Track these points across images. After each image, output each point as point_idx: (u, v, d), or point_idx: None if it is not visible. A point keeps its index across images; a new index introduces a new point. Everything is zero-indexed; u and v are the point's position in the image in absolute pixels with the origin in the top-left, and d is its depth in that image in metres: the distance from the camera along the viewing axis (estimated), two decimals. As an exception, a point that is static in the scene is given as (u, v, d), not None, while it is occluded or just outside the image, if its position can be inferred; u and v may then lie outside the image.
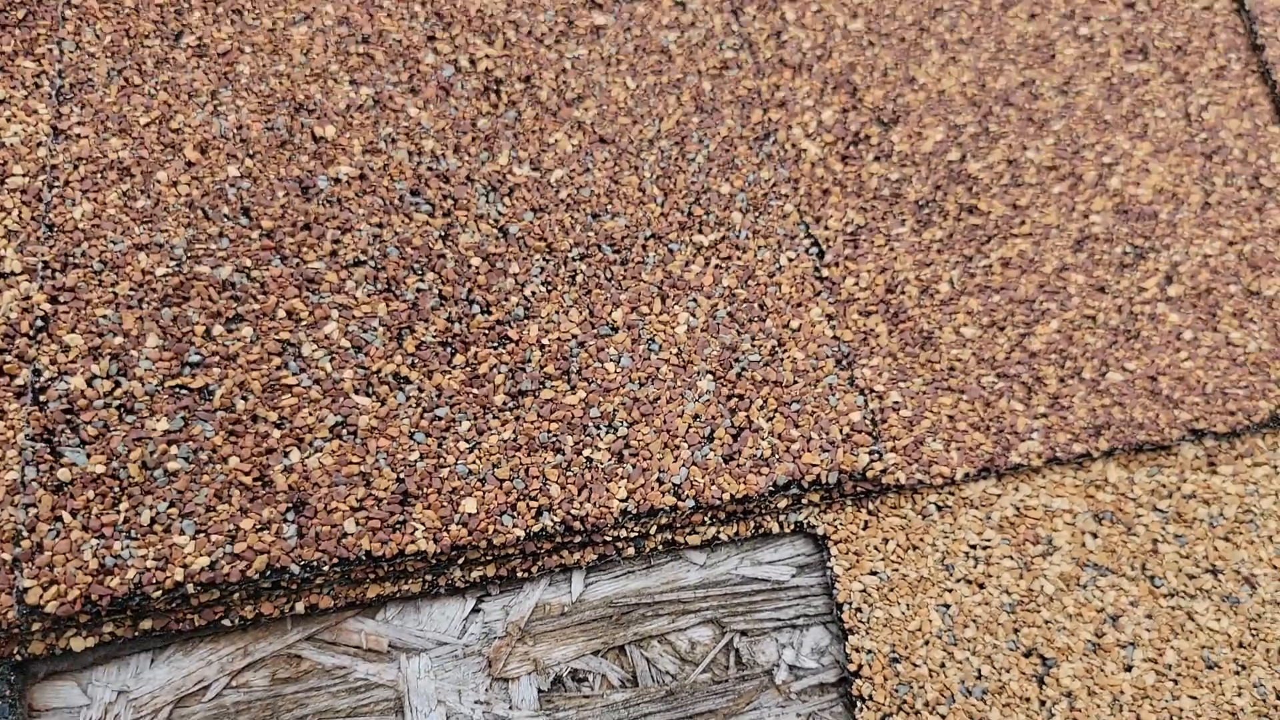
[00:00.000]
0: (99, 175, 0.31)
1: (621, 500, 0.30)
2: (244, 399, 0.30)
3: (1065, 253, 0.35)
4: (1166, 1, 0.38)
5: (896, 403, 0.33)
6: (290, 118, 0.32)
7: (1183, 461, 0.35)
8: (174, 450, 0.29)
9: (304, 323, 0.31)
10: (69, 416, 0.29)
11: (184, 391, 0.30)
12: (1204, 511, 0.35)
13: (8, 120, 0.32)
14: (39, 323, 0.30)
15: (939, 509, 0.33)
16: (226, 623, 0.29)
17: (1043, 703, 0.32)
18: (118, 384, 0.30)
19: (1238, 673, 0.34)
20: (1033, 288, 0.34)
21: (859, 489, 0.32)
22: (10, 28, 0.33)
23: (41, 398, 0.29)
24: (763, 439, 0.31)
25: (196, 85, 0.32)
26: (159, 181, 0.31)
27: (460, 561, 0.30)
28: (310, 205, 0.32)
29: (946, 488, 0.33)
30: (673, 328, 0.32)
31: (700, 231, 0.33)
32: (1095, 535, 0.34)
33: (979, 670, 0.33)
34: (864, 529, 0.32)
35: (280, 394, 0.30)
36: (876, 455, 0.31)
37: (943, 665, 0.32)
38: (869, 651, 0.32)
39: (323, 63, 0.33)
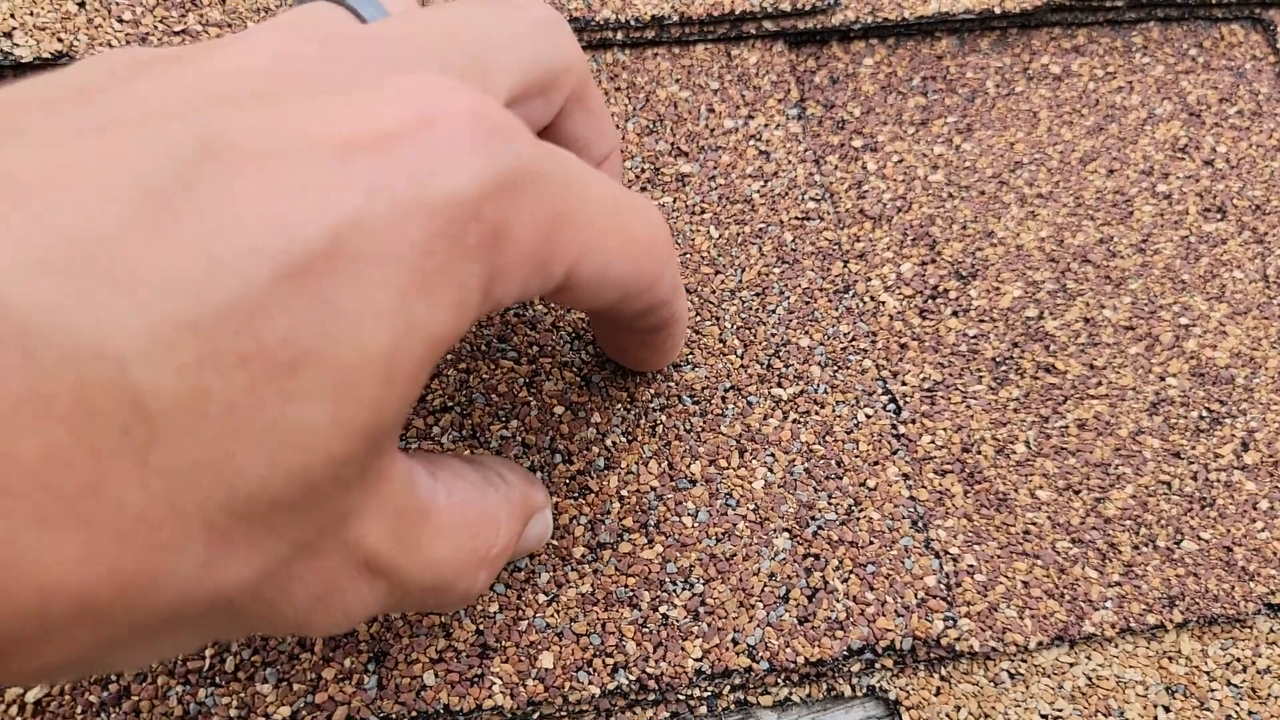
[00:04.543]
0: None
1: (696, 660, 0.30)
2: (330, 545, 0.30)
3: (1141, 416, 0.35)
4: (1245, 159, 0.39)
5: (971, 566, 0.33)
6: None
7: (1257, 635, 0.34)
8: (261, 596, 0.30)
9: (390, 468, 0.31)
10: (160, 558, 0.29)
11: (272, 536, 0.30)
12: (1279, 688, 0.35)
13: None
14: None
15: (1011, 676, 0.33)
16: (306, 775, 0.29)
17: None
18: (208, 526, 0.30)
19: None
20: (1108, 451, 0.34)
21: (932, 655, 0.32)
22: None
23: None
24: (838, 601, 0.31)
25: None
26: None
27: (535, 717, 0.30)
28: (400, 350, 0.32)
29: (1019, 655, 0.33)
30: (750, 483, 0.32)
31: (779, 385, 0.33)
32: (1168, 709, 0.33)
33: (1043, 836, 0.32)
34: (936, 695, 0.32)
35: (365, 541, 0.30)
36: (951, 621, 0.31)
37: (1008, 831, 0.32)
38: (934, 814, 0.32)
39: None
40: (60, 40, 0.33)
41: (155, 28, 0.34)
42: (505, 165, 0.12)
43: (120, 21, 0.34)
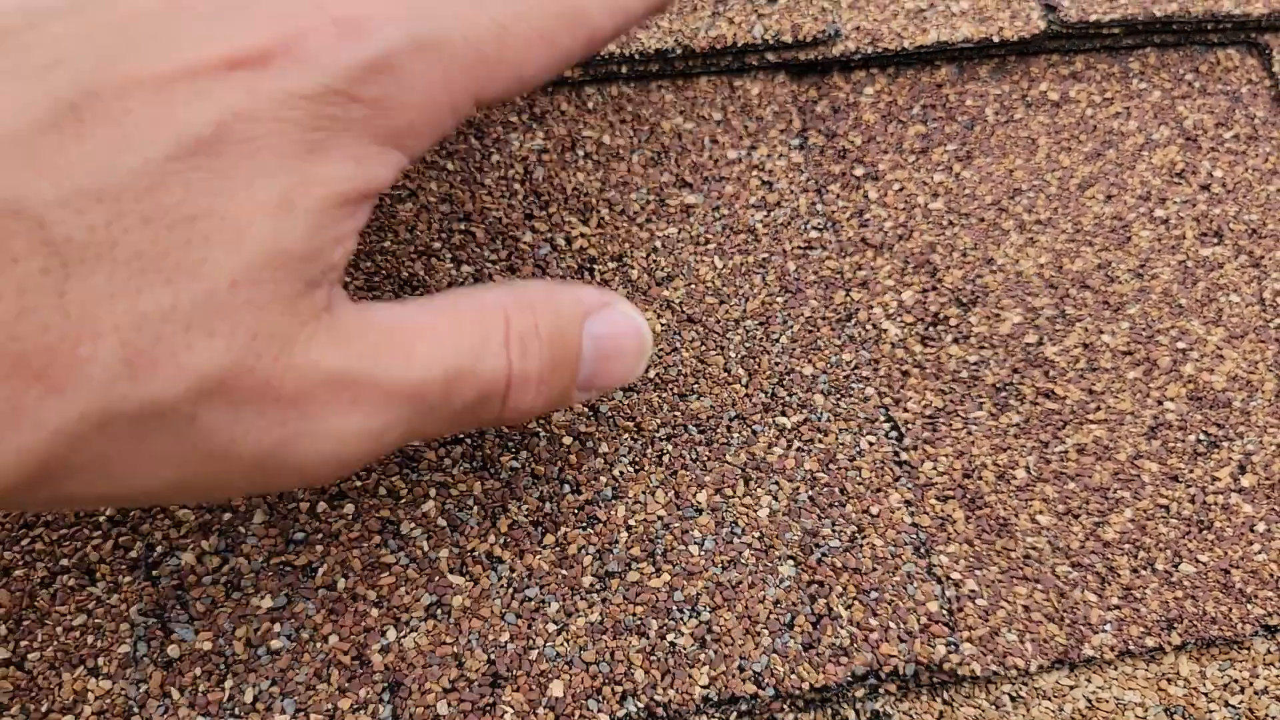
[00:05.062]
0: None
1: (704, 687, 0.31)
2: (345, 577, 0.31)
3: (1139, 440, 0.36)
4: (1242, 183, 0.39)
5: (973, 591, 0.33)
6: (396, 295, 0.34)
7: (1255, 657, 0.35)
8: (277, 628, 0.30)
9: (404, 500, 0.32)
10: (179, 592, 0.30)
11: (288, 569, 0.31)
12: (1276, 708, 0.36)
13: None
14: (153, 497, 0.31)
15: (1012, 699, 0.33)
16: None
17: None
18: (225, 560, 0.31)
19: None
20: (1107, 475, 0.35)
21: (935, 679, 0.32)
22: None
23: (154, 572, 0.30)
24: (842, 627, 0.32)
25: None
26: (270, 357, 0.32)
27: (546, 745, 0.31)
28: (411, 383, 0.33)
29: (1020, 678, 0.34)
30: (755, 511, 0.33)
31: (783, 413, 0.34)
32: (1167, 730, 0.34)
33: None
34: (939, 719, 0.33)
35: (380, 572, 0.31)
36: (953, 646, 0.32)
37: None
38: (938, 835, 0.32)
39: (426, 240, 0.34)
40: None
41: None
42: (374, 52, 0.15)
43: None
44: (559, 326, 0.19)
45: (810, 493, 0.34)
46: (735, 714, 0.32)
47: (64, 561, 0.32)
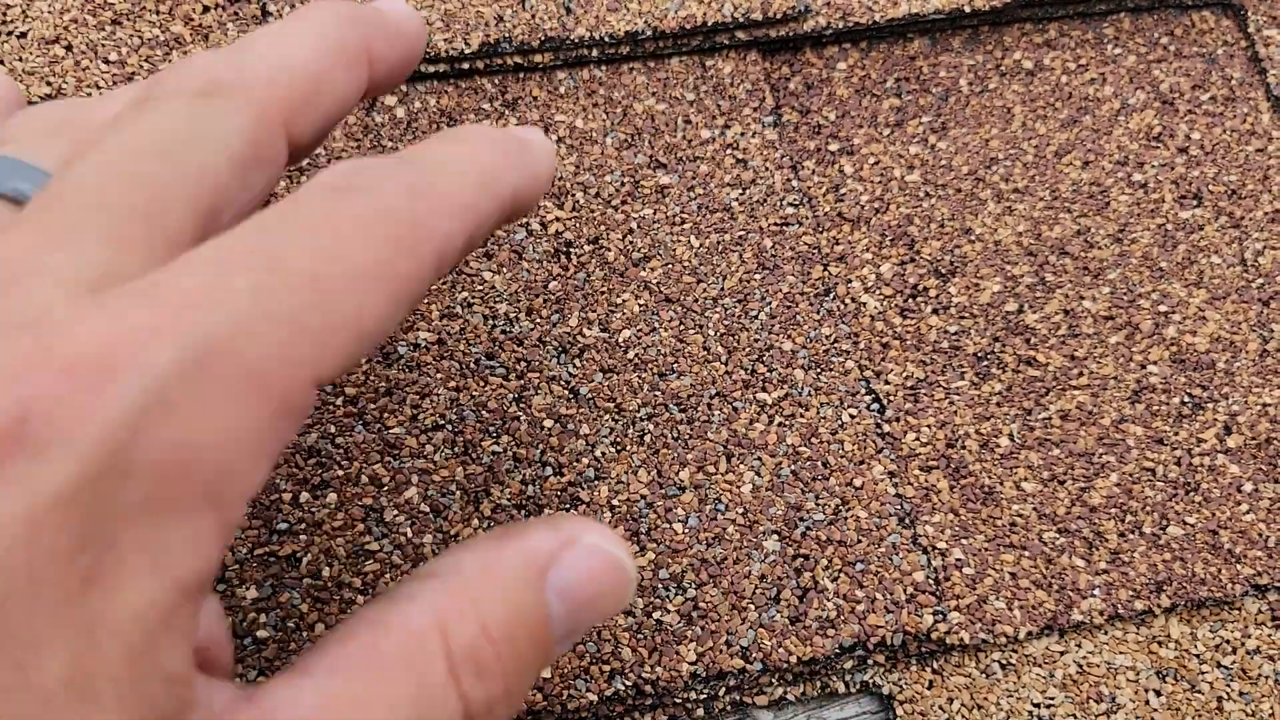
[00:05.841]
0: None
1: (691, 663, 0.31)
2: (329, 565, 0.31)
3: (1123, 404, 0.35)
4: (1220, 145, 0.39)
5: (959, 560, 0.33)
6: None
7: (1246, 617, 0.35)
8: (263, 618, 0.30)
9: (386, 488, 0.32)
10: (165, 585, 0.30)
11: (272, 559, 0.31)
12: (1269, 668, 0.35)
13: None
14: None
15: (1002, 667, 0.33)
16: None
17: None
18: (211, 552, 0.31)
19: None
20: (1092, 441, 0.35)
21: (923, 649, 0.32)
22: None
23: (140, 566, 0.30)
24: (828, 600, 0.32)
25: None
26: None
27: (535, 726, 0.31)
28: (391, 371, 0.33)
29: (1009, 646, 0.33)
30: (738, 487, 0.33)
31: (764, 389, 0.34)
32: (1159, 693, 0.34)
33: (1043, 822, 0.33)
34: (929, 688, 0.33)
35: (364, 560, 0.31)
36: (940, 615, 0.32)
37: (1007, 819, 0.33)
38: (933, 805, 0.32)
39: (402, 229, 0.34)
40: (49, 84, 0.34)
41: (140, 67, 0.35)
42: (132, 403, 0.10)
43: (106, 63, 0.35)
44: (513, 609, 0.14)
45: (793, 467, 0.34)
46: (724, 689, 0.32)
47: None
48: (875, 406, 0.35)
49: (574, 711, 0.31)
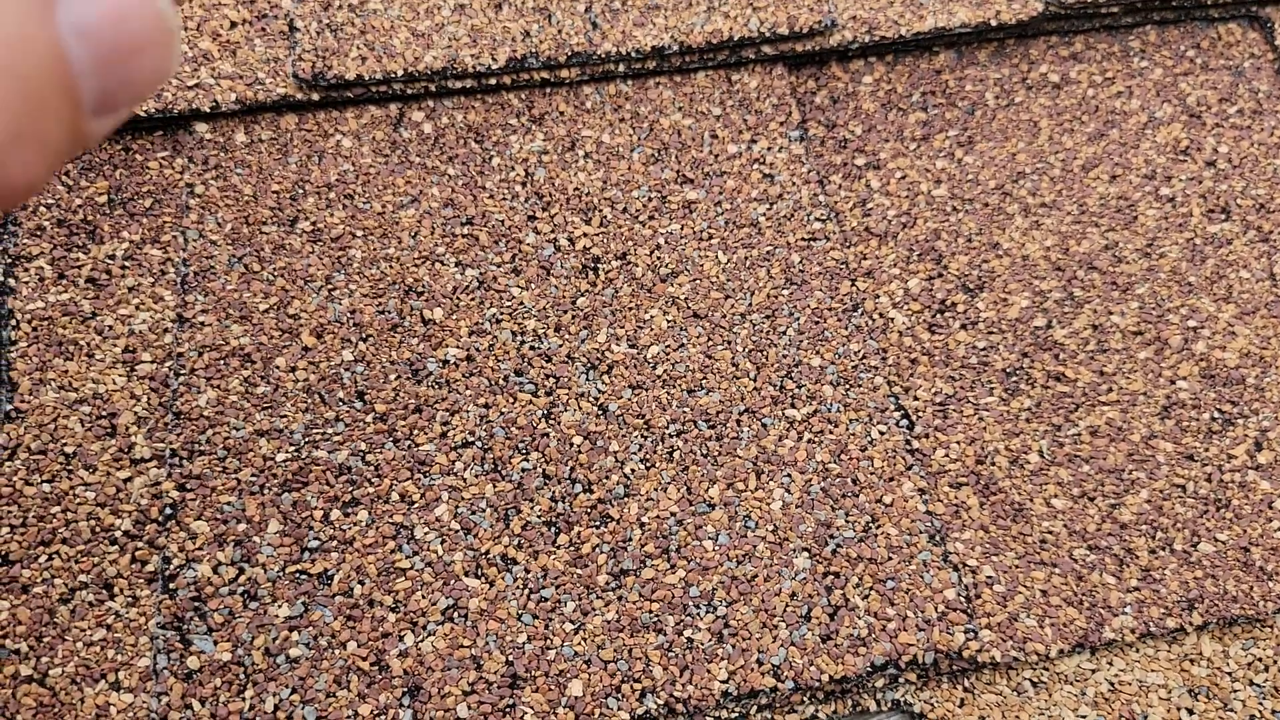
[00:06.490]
0: (222, 362, 0.32)
1: (722, 682, 0.31)
2: (361, 583, 0.31)
3: (1153, 420, 0.35)
4: (1248, 159, 0.39)
5: (990, 577, 0.33)
6: (401, 300, 0.34)
7: (1278, 634, 0.35)
8: (295, 636, 0.30)
9: (416, 505, 0.32)
10: (197, 604, 0.30)
11: (304, 577, 0.31)
12: (1301, 685, 0.35)
13: (137, 308, 0.34)
14: (168, 510, 0.31)
15: (1034, 685, 0.33)
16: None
17: None
18: (241, 570, 0.31)
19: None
20: (1121, 457, 0.35)
21: (955, 667, 0.32)
22: (138, 216, 0.35)
23: (171, 585, 0.30)
24: (859, 618, 0.32)
25: (312, 270, 0.34)
26: (278, 367, 0.32)
27: (567, 744, 0.31)
28: (421, 388, 0.33)
29: (1041, 663, 0.33)
30: (768, 504, 0.33)
31: (793, 405, 0.34)
32: (1191, 711, 0.34)
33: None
34: (960, 706, 0.33)
35: (395, 577, 0.31)
36: (972, 633, 0.32)
37: (1038, 838, 0.32)
38: (964, 823, 0.32)
39: (430, 245, 0.34)
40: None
41: (169, 84, 0.35)
42: None
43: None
44: (8, 46, 0.11)
45: (822, 484, 0.34)
46: (755, 708, 0.32)
47: (82, 577, 0.32)
48: (904, 422, 0.35)
49: (605, 730, 0.31)
